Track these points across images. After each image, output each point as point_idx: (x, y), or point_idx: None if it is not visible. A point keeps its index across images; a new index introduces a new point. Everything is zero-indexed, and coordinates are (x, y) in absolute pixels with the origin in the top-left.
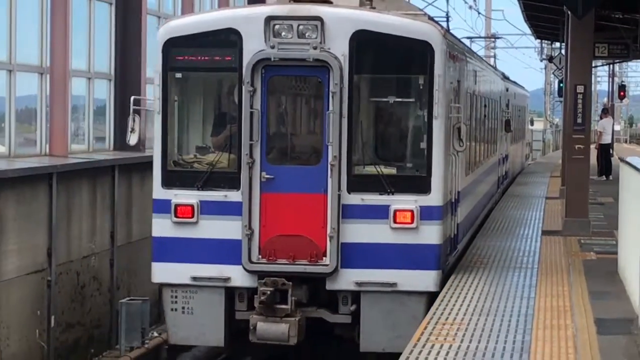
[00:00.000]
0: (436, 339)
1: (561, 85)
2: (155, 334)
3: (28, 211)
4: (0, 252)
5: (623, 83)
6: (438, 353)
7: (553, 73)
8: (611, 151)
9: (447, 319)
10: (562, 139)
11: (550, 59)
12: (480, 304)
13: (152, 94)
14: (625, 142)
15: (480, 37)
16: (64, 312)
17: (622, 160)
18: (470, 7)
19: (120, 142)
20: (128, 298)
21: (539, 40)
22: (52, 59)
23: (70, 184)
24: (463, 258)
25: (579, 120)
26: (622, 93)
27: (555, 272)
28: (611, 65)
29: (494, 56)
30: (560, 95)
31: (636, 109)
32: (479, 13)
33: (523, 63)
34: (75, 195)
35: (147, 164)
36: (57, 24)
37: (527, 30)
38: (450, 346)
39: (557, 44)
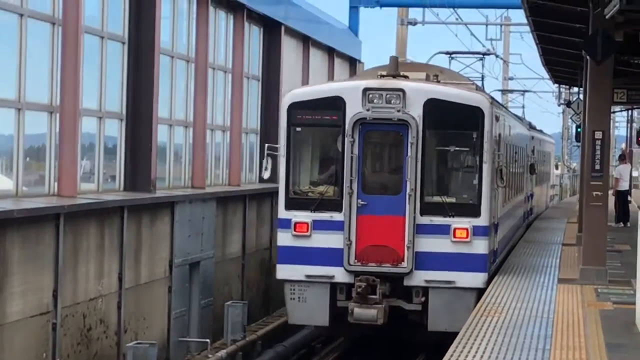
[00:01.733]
0: None
1: (579, 130)
2: None
3: (34, 252)
4: (4, 294)
5: None
6: None
7: (571, 118)
8: (629, 198)
9: None
10: (579, 185)
11: (568, 103)
12: (494, 355)
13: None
14: None
15: (509, 90)
16: (69, 355)
17: None
18: (487, 53)
19: (130, 182)
20: (135, 342)
21: (556, 85)
22: (62, 97)
23: (77, 225)
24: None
25: (597, 167)
26: None
27: (571, 322)
28: (629, 111)
29: (523, 107)
30: (577, 140)
31: None
32: (497, 56)
33: (540, 107)
34: (82, 236)
35: (157, 205)
36: (68, 63)
37: (545, 74)
38: None
39: (575, 89)
